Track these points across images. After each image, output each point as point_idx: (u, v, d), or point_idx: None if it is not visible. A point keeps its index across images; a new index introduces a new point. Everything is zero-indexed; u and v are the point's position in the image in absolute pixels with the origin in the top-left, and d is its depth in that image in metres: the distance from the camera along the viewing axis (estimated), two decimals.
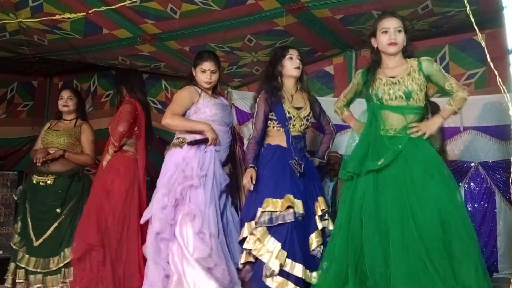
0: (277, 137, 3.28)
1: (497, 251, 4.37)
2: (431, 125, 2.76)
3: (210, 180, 3.20)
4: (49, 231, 3.82)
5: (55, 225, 3.84)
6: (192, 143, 3.20)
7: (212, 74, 3.38)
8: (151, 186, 5.18)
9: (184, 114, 3.34)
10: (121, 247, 3.56)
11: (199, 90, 3.36)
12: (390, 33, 2.74)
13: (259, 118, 3.24)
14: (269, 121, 3.28)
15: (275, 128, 3.28)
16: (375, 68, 2.82)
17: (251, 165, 3.18)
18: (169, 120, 3.27)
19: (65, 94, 4.15)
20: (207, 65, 3.38)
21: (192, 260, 3.02)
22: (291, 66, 3.31)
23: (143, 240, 3.46)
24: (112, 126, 3.78)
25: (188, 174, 3.13)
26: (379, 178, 2.65)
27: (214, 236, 3.13)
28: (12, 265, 3.87)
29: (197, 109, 3.31)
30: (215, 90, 3.54)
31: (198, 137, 3.23)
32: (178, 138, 3.32)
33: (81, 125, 4.10)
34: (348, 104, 3.11)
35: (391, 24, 2.76)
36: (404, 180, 2.60)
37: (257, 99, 3.27)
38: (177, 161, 3.20)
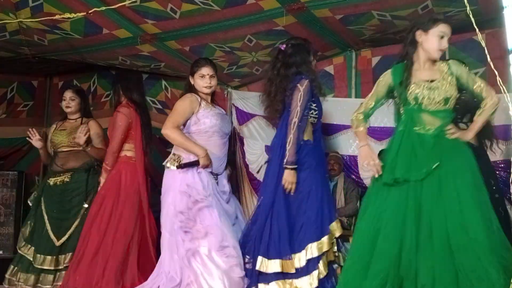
0: (306, 132, 3.19)
1: None
2: (465, 135, 2.76)
3: (212, 197, 3.23)
4: (72, 228, 3.84)
5: (77, 222, 3.84)
6: (182, 166, 3.21)
7: (211, 79, 3.39)
8: (151, 186, 5.19)
9: (185, 124, 3.35)
10: (125, 256, 3.55)
11: (199, 99, 3.37)
12: (444, 40, 2.71)
13: (304, 104, 3.11)
14: (309, 111, 3.18)
15: (311, 118, 3.21)
16: (411, 66, 2.75)
17: (295, 166, 3.06)
18: (169, 132, 3.27)
19: (67, 94, 4.16)
20: (206, 70, 3.39)
21: (215, 275, 3.06)
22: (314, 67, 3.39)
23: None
24: (110, 131, 3.79)
25: (197, 198, 3.17)
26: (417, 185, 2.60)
27: (236, 248, 3.17)
28: (11, 268, 3.88)
29: (197, 120, 3.32)
30: (213, 100, 3.54)
31: (192, 157, 3.23)
32: (174, 155, 3.33)
33: (87, 122, 4.12)
34: (368, 114, 2.95)
35: (448, 31, 2.72)
36: (446, 184, 2.57)
37: (301, 86, 3.12)
38: (182, 189, 3.21)
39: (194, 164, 3.21)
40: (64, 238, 3.84)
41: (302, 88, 3.11)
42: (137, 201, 3.69)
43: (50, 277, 3.80)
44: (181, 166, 3.21)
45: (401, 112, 2.80)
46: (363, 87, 4.82)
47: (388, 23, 4.09)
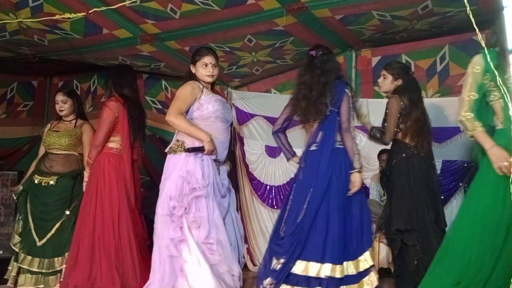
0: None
1: None
2: None
3: (211, 187, 3.22)
4: (53, 231, 3.83)
5: (57, 225, 3.84)
6: (189, 150, 3.20)
7: (213, 68, 3.37)
8: (151, 186, 5.21)
9: (187, 111, 3.34)
10: (114, 247, 3.55)
11: (201, 86, 3.36)
12: None
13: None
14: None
15: None
16: (505, 51, 2.52)
17: None
18: (173, 119, 3.25)
19: (59, 98, 4.08)
20: (208, 59, 3.36)
21: (202, 267, 3.04)
22: None
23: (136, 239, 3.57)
24: (98, 125, 3.79)
25: (195, 187, 3.15)
26: None
27: (223, 241, 3.15)
28: (14, 265, 3.87)
29: (199, 105, 3.31)
30: (213, 88, 3.54)
31: (196, 143, 3.23)
32: (177, 141, 3.32)
33: (81, 125, 4.08)
34: (476, 109, 2.56)
35: None
36: None
37: (349, 91, 3.18)
38: (181, 174, 3.20)
39: (200, 149, 3.21)
40: (44, 240, 3.83)
41: (350, 93, 3.18)
42: (123, 193, 3.67)
43: (43, 278, 3.81)
44: (188, 150, 3.20)
45: (491, 101, 2.56)
46: (363, 87, 4.83)
47: (388, 23, 4.09)
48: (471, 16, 2.37)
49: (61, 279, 3.74)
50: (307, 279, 2.95)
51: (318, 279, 2.93)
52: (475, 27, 2.36)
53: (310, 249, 2.98)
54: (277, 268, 3.00)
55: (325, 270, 2.91)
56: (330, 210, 3.02)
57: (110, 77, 3.91)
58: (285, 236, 3.08)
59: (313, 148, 3.17)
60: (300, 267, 2.96)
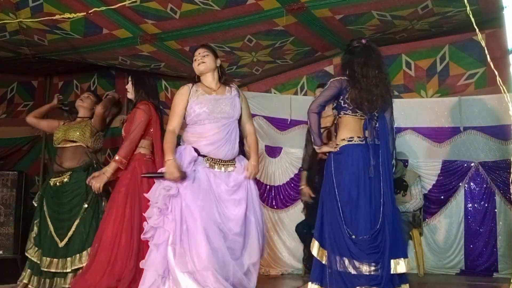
0: None
1: (497, 251, 4.36)
2: None
3: (196, 184, 3.10)
4: (73, 228, 3.81)
5: (77, 221, 3.82)
6: (146, 176, 3.19)
7: (203, 57, 3.28)
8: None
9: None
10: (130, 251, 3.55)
11: (190, 87, 3.28)
12: None
13: None
14: None
15: None
16: None
17: None
18: (165, 134, 3.23)
19: (84, 94, 4.18)
20: (198, 51, 3.28)
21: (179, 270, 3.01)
22: None
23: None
24: (127, 127, 3.74)
25: (166, 185, 3.09)
26: None
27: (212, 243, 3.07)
28: (28, 272, 3.86)
29: (187, 110, 3.26)
30: (220, 82, 3.34)
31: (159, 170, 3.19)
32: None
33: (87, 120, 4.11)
34: None
35: None
36: None
37: None
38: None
39: (158, 176, 3.09)
40: (66, 239, 3.83)
41: None
42: None
43: (62, 280, 3.80)
44: (145, 176, 3.19)
45: None
46: None
47: (388, 23, 4.09)
48: (471, 16, 2.37)
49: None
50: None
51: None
52: (475, 27, 2.36)
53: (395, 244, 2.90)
54: (378, 274, 2.84)
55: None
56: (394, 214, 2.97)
57: (142, 88, 3.85)
58: (366, 237, 2.90)
59: (370, 141, 2.97)
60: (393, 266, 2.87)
